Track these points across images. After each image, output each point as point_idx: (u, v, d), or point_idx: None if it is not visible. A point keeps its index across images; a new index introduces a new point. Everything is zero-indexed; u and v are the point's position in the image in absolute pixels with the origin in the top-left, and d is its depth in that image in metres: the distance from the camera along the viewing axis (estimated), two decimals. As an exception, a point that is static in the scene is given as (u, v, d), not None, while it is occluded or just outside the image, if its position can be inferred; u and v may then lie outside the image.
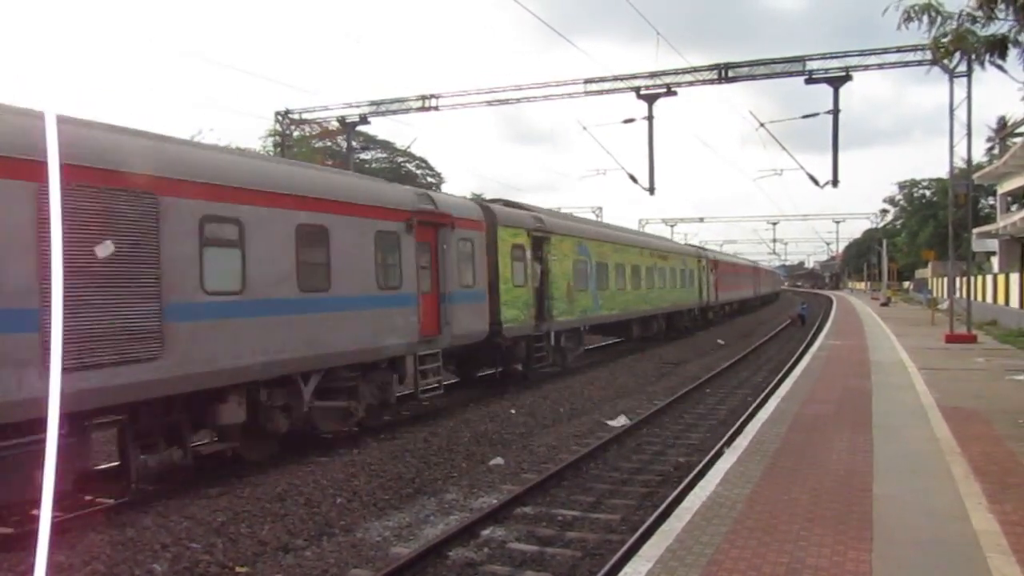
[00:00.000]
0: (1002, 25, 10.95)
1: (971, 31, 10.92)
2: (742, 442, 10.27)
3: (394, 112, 29.80)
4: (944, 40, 11.13)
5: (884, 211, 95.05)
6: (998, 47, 10.99)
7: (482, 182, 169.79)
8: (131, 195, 8.55)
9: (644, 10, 26.90)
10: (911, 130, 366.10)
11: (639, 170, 27.62)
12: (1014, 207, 48.08)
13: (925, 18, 10.75)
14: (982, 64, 11.51)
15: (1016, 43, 11.01)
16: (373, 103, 29.91)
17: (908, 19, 10.75)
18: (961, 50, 11.76)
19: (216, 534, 8.08)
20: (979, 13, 10.85)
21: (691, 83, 25.86)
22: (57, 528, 7.78)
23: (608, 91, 26.92)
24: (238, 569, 7.39)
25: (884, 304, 56.97)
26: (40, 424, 7.15)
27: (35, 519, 8.32)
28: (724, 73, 25.50)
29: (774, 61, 25.40)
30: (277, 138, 34.68)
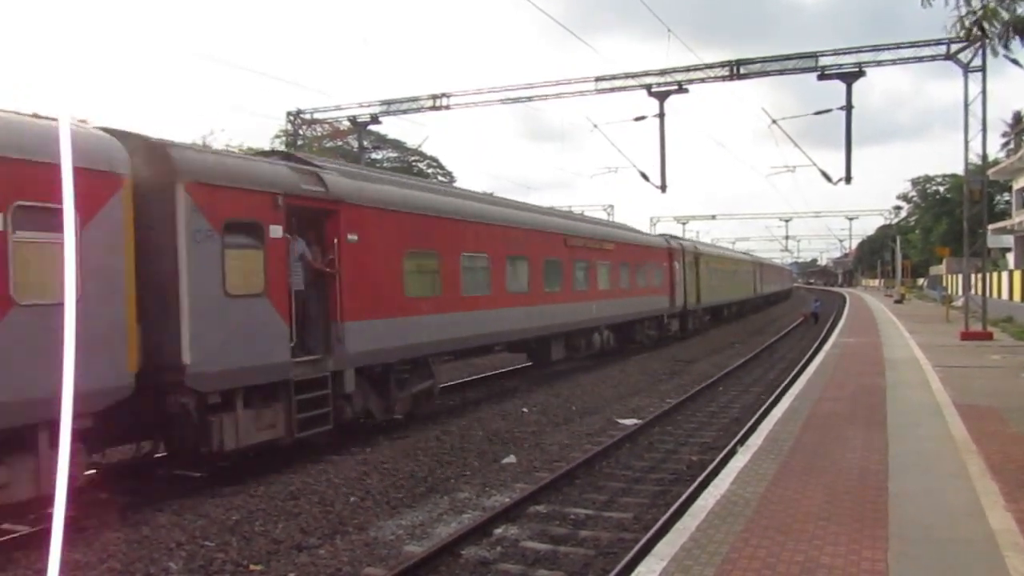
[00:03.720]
0: None
1: (996, 11, 10.73)
2: (756, 440, 10.23)
3: (405, 111, 29.87)
4: (973, 16, 10.92)
5: (897, 208, 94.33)
6: (1023, 29, 10.80)
7: (496, 181, 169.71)
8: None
9: (659, 6, 26.81)
10: (931, 125, 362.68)
11: (651, 168, 27.60)
12: (1029, 203, 47.65)
13: None
14: (1006, 45, 11.28)
15: None
16: (384, 102, 29.98)
17: None
18: (984, 30, 11.52)
19: (230, 532, 8.13)
20: None
21: (703, 80, 25.77)
22: (73, 526, 7.83)
23: (619, 89, 26.88)
24: (252, 567, 7.42)
25: (898, 301, 56.62)
26: None
27: (51, 517, 8.39)
28: (736, 70, 25.39)
29: (787, 57, 25.29)
30: (289, 138, 34.82)
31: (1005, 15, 10.80)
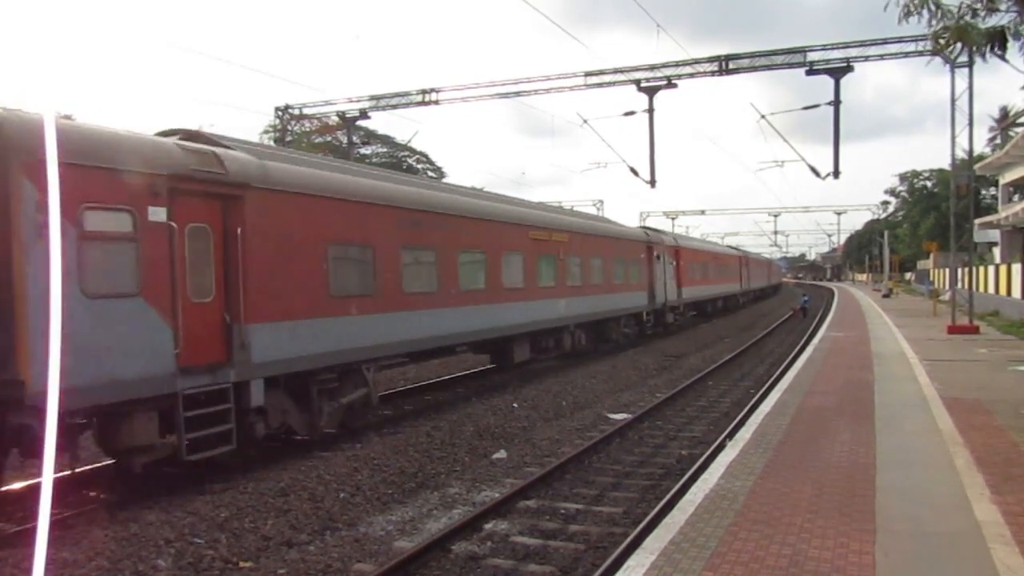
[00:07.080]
0: (1003, 17, 10.88)
1: (971, 24, 10.84)
2: (744, 434, 10.27)
3: (394, 106, 29.80)
4: (944, 34, 11.06)
5: (885, 203, 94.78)
6: (998, 39, 10.91)
7: (489, 178, 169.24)
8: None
9: (656, 3, 26.87)
10: (924, 120, 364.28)
11: (641, 163, 27.57)
12: (1016, 197, 47.98)
13: (925, 12, 10.68)
14: (983, 57, 11.44)
15: (1017, 35, 10.92)
16: (374, 98, 29.90)
17: (908, 13, 10.68)
18: (961, 42, 11.68)
19: (220, 529, 8.10)
20: (979, 6, 10.77)
21: (691, 75, 25.83)
22: (61, 524, 7.80)
23: (608, 84, 26.91)
24: (242, 564, 7.41)
25: (886, 296, 56.96)
26: None
27: (36, 515, 8.33)
28: (724, 65, 25.46)
29: (775, 52, 25.37)
30: (277, 134, 34.65)
31: (980, 26, 10.88)
